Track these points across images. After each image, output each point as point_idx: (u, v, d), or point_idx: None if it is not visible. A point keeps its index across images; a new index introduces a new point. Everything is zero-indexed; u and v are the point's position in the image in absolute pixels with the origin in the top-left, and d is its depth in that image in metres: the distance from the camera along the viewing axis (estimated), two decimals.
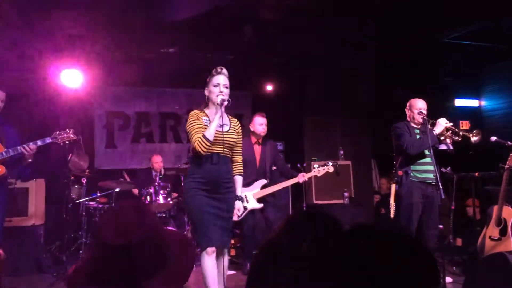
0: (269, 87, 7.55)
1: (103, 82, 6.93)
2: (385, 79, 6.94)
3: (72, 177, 5.51)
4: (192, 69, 6.38)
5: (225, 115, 3.36)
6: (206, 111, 3.37)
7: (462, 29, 5.71)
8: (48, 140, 3.89)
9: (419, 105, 4.28)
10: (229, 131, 3.37)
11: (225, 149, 3.32)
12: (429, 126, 4.11)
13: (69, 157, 5.13)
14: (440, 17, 5.21)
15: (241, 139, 3.52)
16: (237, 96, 7.79)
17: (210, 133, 3.19)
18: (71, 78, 6.30)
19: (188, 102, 7.50)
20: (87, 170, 5.68)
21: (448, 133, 4.17)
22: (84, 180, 5.62)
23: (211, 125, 3.21)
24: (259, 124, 5.06)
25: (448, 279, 4.47)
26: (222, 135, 3.26)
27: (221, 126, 3.23)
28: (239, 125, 3.52)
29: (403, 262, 0.74)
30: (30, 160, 3.88)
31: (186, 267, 1.22)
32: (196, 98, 6.42)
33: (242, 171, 3.53)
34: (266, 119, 5.11)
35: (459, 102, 8.04)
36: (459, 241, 5.68)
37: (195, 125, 3.26)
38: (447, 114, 4.37)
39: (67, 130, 4.02)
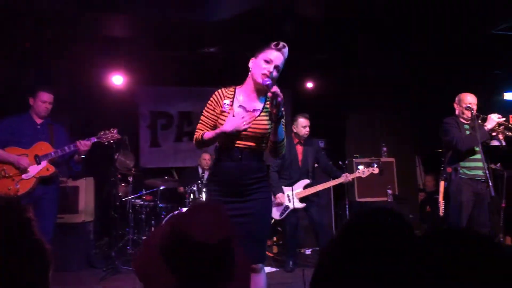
0: (310, 84, 7.50)
1: (146, 82, 7.10)
2: (430, 73, 6.74)
3: (119, 176, 5.68)
4: (233, 69, 6.42)
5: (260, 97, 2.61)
6: (238, 89, 2.62)
7: None
8: (93, 139, 4.01)
9: (468, 100, 4.14)
10: (261, 115, 2.56)
11: (252, 143, 2.51)
12: (478, 121, 3.97)
13: (116, 156, 5.28)
14: (488, 7, 5.01)
15: None
16: None
17: (206, 139, 2.50)
18: (116, 79, 6.52)
19: None
20: (133, 169, 5.84)
21: (500, 128, 4.02)
22: (130, 179, 5.77)
23: (218, 131, 2.45)
24: (303, 126, 5.02)
25: None
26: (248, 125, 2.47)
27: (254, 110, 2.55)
28: None
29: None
30: (83, 156, 3.99)
31: (248, 271, 1.23)
32: None
33: None
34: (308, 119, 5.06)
35: (508, 96, 7.72)
36: (508, 240, 5.48)
37: (203, 116, 2.60)
38: (496, 108, 4.19)
39: (111, 129, 4.14)
